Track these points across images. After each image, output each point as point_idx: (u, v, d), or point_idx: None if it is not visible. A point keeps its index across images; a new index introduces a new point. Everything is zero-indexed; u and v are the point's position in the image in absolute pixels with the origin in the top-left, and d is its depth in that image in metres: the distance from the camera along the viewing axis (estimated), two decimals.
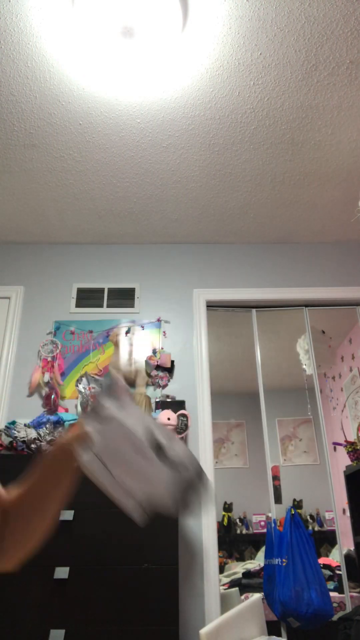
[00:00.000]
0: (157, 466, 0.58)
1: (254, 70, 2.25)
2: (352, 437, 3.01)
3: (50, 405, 2.89)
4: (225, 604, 2.66)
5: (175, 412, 2.75)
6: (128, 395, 0.66)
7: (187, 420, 2.75)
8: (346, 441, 2.90)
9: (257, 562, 3.49)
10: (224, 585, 3.17)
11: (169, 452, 0.58)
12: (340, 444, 2.98)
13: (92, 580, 2.10)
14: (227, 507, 3.83)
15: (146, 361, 3.06)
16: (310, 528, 3.44)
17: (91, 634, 2.00)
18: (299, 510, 3.51)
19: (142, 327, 3.20)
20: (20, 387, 3.01)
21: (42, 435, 2.50)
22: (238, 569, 3.43)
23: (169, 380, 3.02)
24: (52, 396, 2.91)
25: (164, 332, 3.19)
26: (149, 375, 3.03)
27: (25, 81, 2.29)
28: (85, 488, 2.26)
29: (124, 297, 3.31)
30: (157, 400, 2.91)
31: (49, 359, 3.05)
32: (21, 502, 0.72)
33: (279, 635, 2.54)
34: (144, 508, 0.60)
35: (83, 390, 2.84)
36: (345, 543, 2.96)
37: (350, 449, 2.84)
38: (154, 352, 3.09)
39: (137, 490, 0.59)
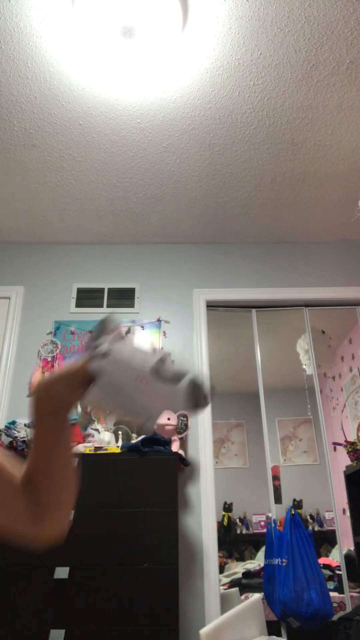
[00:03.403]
0: (158, 386, 0.65)
1: (254, 70, 2.25)
2: (352, 437, 3.01)
3: None
4: (225, 604, 2.66)
5: (175, 412, 2.75)
6: (119, 330, 0.72)
7: (187, 420, 2.75)
8: (346, 441, 2.90)
9: (257, 562, 3.49)
10: (224, 585, 3.17)
11: (165, 373, 0.65)
12: (340, 444, 2.98)
13: (92, 580, 2.10)
14: (227, 507, 3.83)
15: None
16: (310, 528, 3.44)
17: (91, 634, 2.00)
18: (299, 510, 3.51)
19: (142, 327, 3.20)
20: (20, 387, 3.01)
21: None
22: (238, 569, 3.43)
23: None
24: None
25: (164, 332, 3.19)
26: None
27: (25, 81, 2.29)
28: (86, 488, 2.26)
29: (124, 297, 3.31)
30: None
31: (49, 359, 3.05)
32: (35, 464, 0.71)
33: (279, 635, 2.54)
34: (151, 421, 0.67)
35: None
36: (345, 543, 2.96)
37: (350, 449, 2.84)
38: None
39: (145, 408, 0.65)
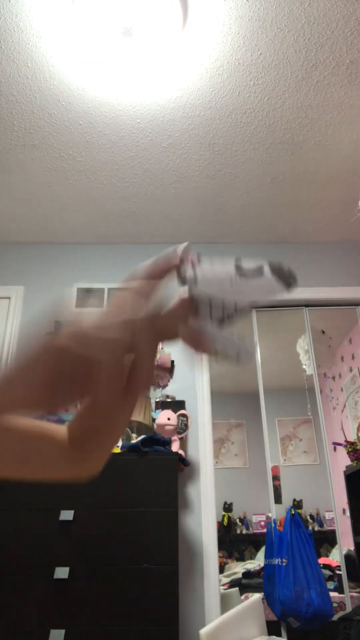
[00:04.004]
0: (250, 282, 0.63)
1: (254, 70, 2.25)
2: (352, 437, 3.01)
3: None
4: (225, 604, 2.66)
5: (175, 412, 2.75)
6: (195, 256, 0.73)
7: (187, 420, 2.75)
8: (346, 441, 2.90)
9: (257, 562, 3.49)
10: (224, 585, 3.18)
11: (248, 270, 0.63)
12: (340, 444, 2.98)
13: (92, 580, 2.10)
14: (227, 507, 3.83)
15: None
16: (310, 528, 3.44)
17: (91, 634, 2.00)
18: (299, 510, 3.51)
19: None
20: None
21: None
22: (238, 569, 3.43)
23: (169, 380, 3.02)
24: None
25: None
26: None
27: (25, 81, 2.29)
28: (86, 488, 2.26)
29: None
30: (157, 400, 2.91)
31: None
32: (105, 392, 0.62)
33: (279, 635, 2.54)
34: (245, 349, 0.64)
35: None
36: (345, 543, 2.96)
37: (350, 449, 2.84)
38: None
39: (251, 303, 0.64)
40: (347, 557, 2.91)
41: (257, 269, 0.67)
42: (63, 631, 1.99)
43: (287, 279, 0.68)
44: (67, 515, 2.19)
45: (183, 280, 0.67)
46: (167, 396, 2.94)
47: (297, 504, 3.56)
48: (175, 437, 2.67)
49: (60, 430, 0.70)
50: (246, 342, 0.67)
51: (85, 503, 2.23)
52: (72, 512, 2.20)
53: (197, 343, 0.61)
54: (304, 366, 3.50)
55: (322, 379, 3.85)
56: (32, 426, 0.68)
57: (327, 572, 3.02)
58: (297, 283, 0.66)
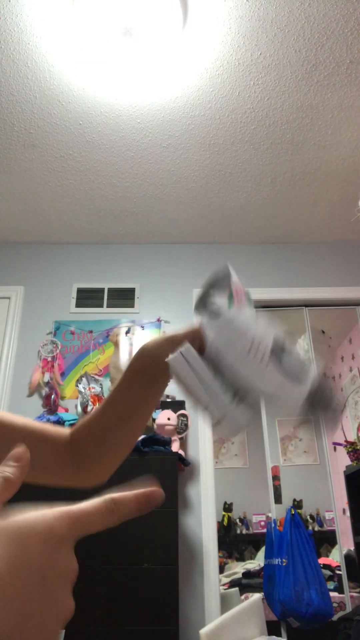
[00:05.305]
0: (271, 371, 0.50)
1: (254, 70, 2.25)
2: (352, 437, 3.01)
3: (50, 405, 2.89)
4: (225, 604, 2.66)
5: (175, 412, 2.75)
6: (243, 292, 0.56)
7: (187, 420, 2.75)
8: (346, 441, 2.90)
9: (257, 562, 3.49)
10: (224, 585, 3.18)
11: (287, 358, 0.51)
12: (340, 444, 2.98)
13: (92, 580, 2.10)
14: (227, 507, 3.83)
15: None
16: (310, 528, 3.44)
17: (91, 634, 2.00)
18: (299, 510, 3.51)
19: (142, 327, 3.20)
20: (20, 387, 3.01)
21: None
22: (238, 569, 3.43)
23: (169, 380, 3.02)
24: (52, 396, 2.91)
25: (164, 332, 3.19)
26: None
27: (25, 81, 2.29)
28: (85, 489, 2.26)
29: (124, 297, 3.31)
30: None
31: (49, 359, 3.05)
32: (104, 417, 0.66)
33: (279, 635, 2.54)
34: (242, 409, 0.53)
35: (83, 390, 2.84)
36: (345, 543, 2.96)
37: (350, 449, 2.84)
38: None
39: (249, 385, 0.51)
40: (347, 557, 2.91)
41: (299, 371, 0.50)
42: (63, 631, 1.99)
43: (319, 409, 0.50)
44: None
45: (202, 307, 0.55)
46: (167, 396, 2.94)
47: (297, 504, 3.55)
48: (175, 437, 2.67)
49: (62, 434, 0.69)
50: (240, 411, 0.51)
51: None
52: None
53: (176, 376, 0.56)
54: None
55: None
56: (31, 426, 0.68)
57: (327, 572, 3.02)
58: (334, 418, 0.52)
